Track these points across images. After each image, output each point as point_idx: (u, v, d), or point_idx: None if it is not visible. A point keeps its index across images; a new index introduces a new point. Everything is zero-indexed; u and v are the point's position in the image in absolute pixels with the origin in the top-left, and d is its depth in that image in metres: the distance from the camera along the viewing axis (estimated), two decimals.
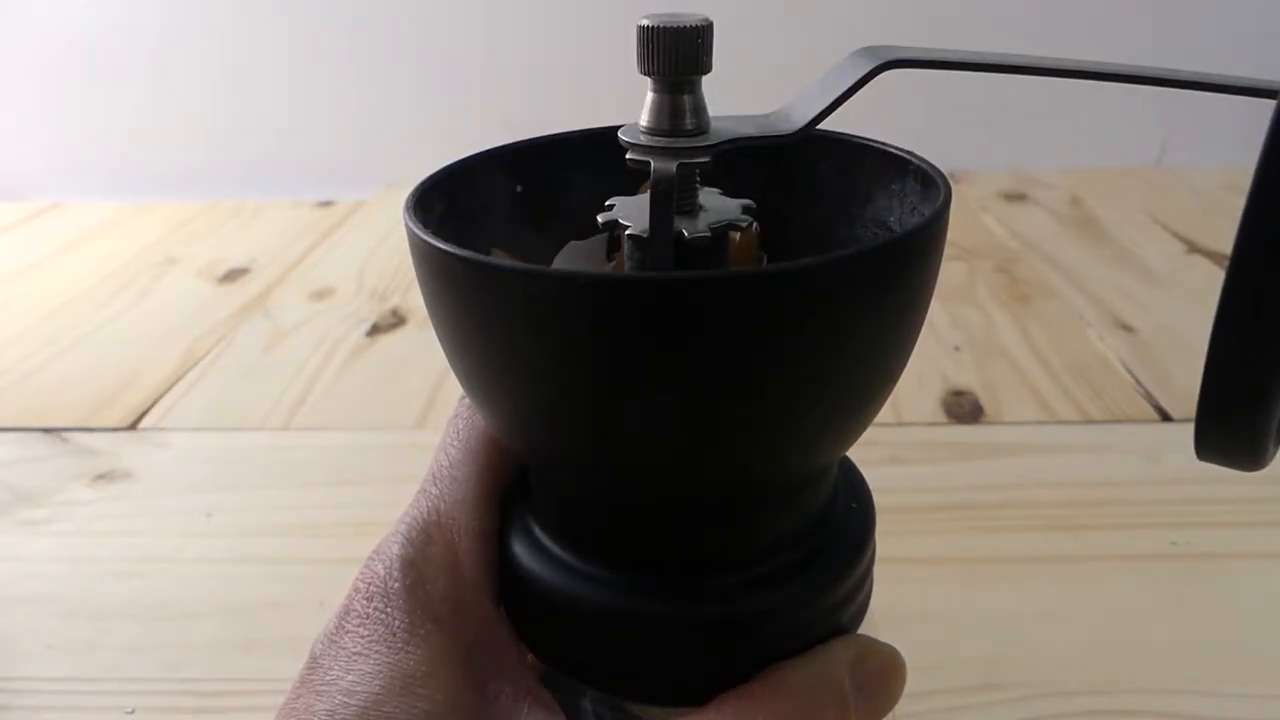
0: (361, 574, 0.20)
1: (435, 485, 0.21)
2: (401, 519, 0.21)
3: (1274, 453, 0.13)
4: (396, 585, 0.19)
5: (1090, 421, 0.49)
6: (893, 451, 0.47)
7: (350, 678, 0.18)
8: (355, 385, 0.57)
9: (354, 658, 0.18)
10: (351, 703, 0.18)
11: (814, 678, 0.18)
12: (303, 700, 0.18)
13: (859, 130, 0.22)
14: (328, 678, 0.18)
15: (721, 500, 0.19)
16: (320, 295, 0.71)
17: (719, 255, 0.20)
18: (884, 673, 0.20)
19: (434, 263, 0.17)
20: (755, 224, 0.20)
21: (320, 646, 0.19)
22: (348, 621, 0.19)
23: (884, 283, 0.16)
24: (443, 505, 0.21)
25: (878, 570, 0.22)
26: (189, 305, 0.69)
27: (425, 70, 0.94)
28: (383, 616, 0.19)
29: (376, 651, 0.18)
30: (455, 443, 0.22)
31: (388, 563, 0.20)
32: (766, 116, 0.19)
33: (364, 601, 0.19)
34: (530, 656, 0.21)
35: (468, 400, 0.23)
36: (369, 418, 0.53)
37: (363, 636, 0.19)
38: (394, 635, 0.19)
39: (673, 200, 0.18)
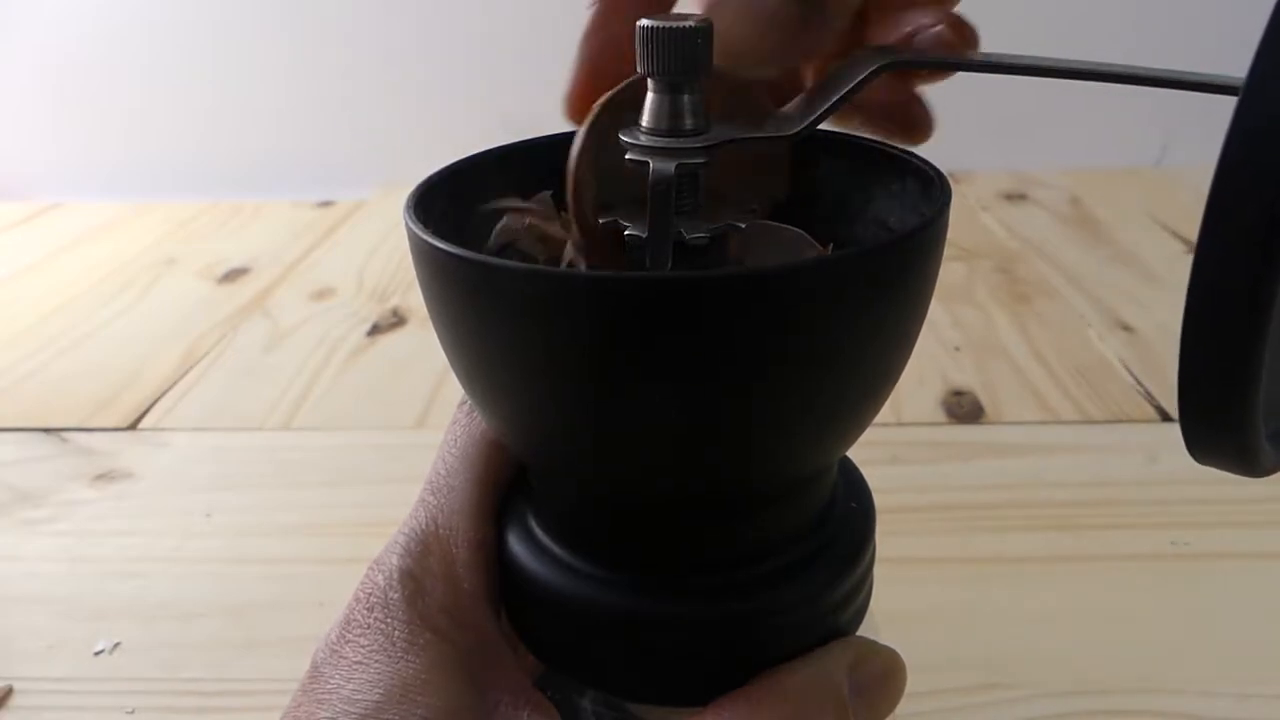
0: (362, 585, 0.20)
1: (433, 495, 0.21)
2: (400, 529, 0.21)
3: (1274, 458, 0.13)
4: (396, 596, 0.20)
5: (1090, 421, 0.49)
6: (893, 451, 0.47)
7: (351, 686, 0.18)
8: (355, 385, 0.57)
9: (354, 667, 0.19)
10: (352, 711, 0.18)
11: (812, 681, 0.19)
12: (304, 709, 0.19)
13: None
14: (328, 686, 0.19)
15: (721, 500, 0.19)
16: (320, 295, 0.71)
17: (718, 256, 0.20)
18: (883, 676, 0.20)
19: (434, 263, 0.17)
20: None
21: (321, 656, 0.19)
22: (348, 631, 0.20)
23: (884, 283, 0.16)
24: (440, 516, 0.21)
25: (878, 570, 0.22)
26: (189, 305, 0.69)
27: (425, 70, 0.94)
28: (383, 626, 0.19)
29: (377, 661, 0.19)
30: (453, 451, 0.22)
31: (387, 574, 0.20)
32: (767, 116, 0.19)
33: (364, 612, 0.20)
34: (529, 656, 0.21)
35: (465, 406, 0.23)
36: (369, 418, 0.53)
37: (363, 646, 0.19)
38: (394, 645, 0.19)
39: (671, 201, 0.18)
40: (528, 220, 0.20)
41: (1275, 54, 0.10)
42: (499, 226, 0.21)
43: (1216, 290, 0.11)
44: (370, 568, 0.21)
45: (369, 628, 0.19)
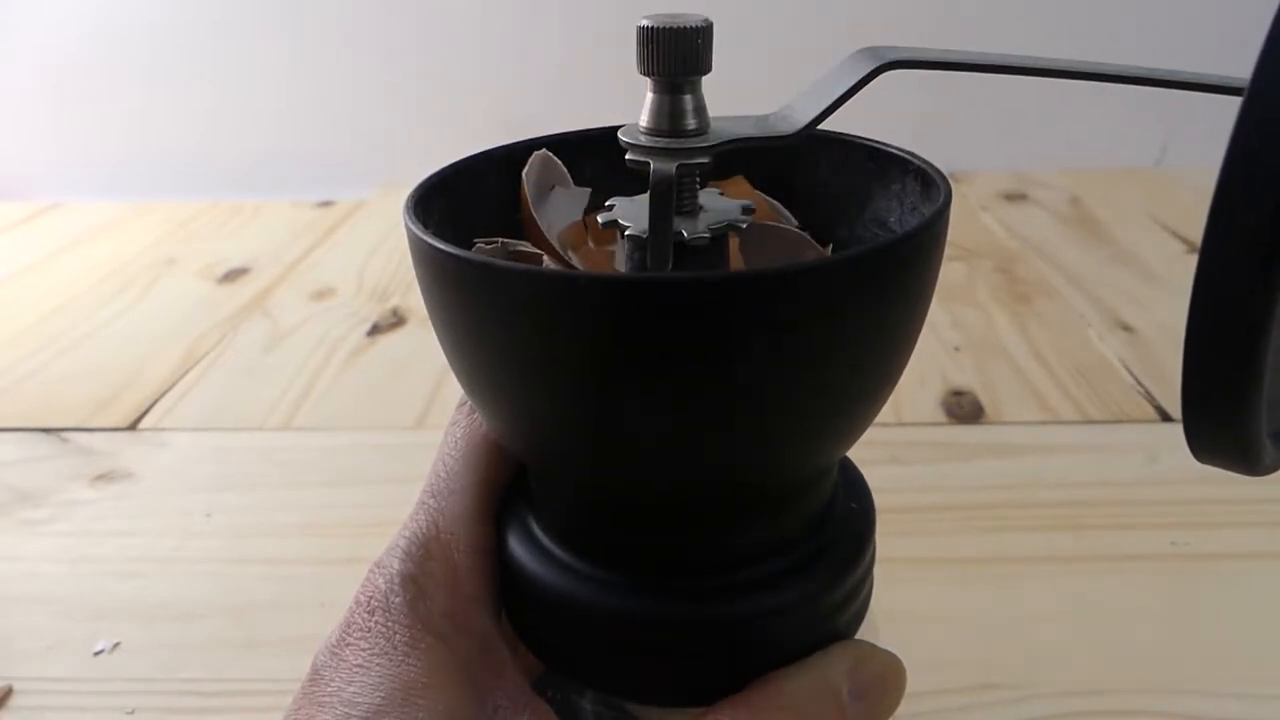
0: (363, 588, 0.20)
1: (434, 498, 0.21)
2: (401, 532, 0.21)
3: (1275, 457, 0.13)
4: (397, 600, 0.20)
5: (1090, 421, 0.49)
6: (893, 451, 0.47)
7: (352, 689, 0.18)
8: (355, 385, 0.57)
9: (355, 670, 0.19)
10: (353, 714, 0.18)
11: (811, 687, 0.19)
12: (305, 712, 0.19)
13: (859, 130, 0.22)
14: (329, 689, 0.19)
15: (721, 501, 0.19)
16: (320, 295, 0.71)
17: (718, 256, 0.20)
18: (883, 679, 0.20)
19: (434, 263, 0.17)
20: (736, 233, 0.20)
21: (322, 659, 0.19)
22: (349, 634, 0.20)
23: (884, 283, 0.16)
24: (441, 520, 0.21)
25: (878, 570, 0.22)
26: (189, 305, 0.69)
27: (425, 70, 0.94)
28: (384, 630, 0.19)
29: (378, 664, 0.19)
30: (453, 453, 0.22)
31: (388, 577, 0.20)
32: (766, 117, 0.19)
33: (365, 615, 0.20)
34: (529, 657, 0.21)
35: (465, 407, 0.23)
36: (369, 418, 0.53)
37: (364, 649, 0.19)
38: (395, 648, 0.19)
39: (672, 201, 0.18)
40: (500, 242, 0.20)
41: (1279, 55, 0.10)
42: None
43: (1220, 291, 0.11)
44: (371, 571, 0.21)
45: (370, 631, 0.19)
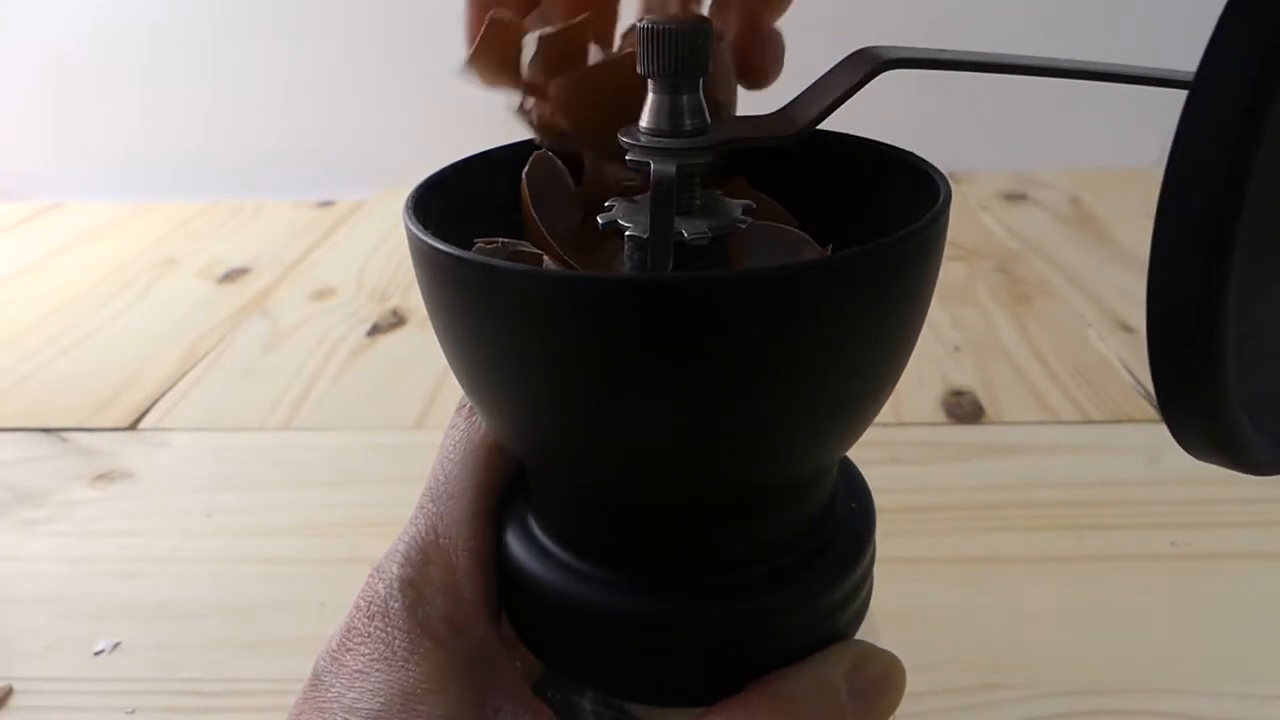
0: (363, 593, 0.20)
1: (433, 502, 0.21)
2: (401, 536, 0.21)
3: (1269, 454, 0.13)
4: (396, 605, 0.20)
5: (1090, 421, 0.49)
6: (893, 451, 0.47)
7: (352, 695, 0.19)
8: (355, 385, 0.57)
9: (356, 675, 0.19)
10: (353, 719, 0.18)
11: (810, 687, 0.19)
12: (306, 717, 0.19)
13: (859, 130, 0.22)
14: (330, 694, 0.19)
15: (721, 501, 0.19)
16: (320, 295, 0.71)
17: (719, 256, 0.20)
18: (882, 680, 0.20)
19: (434, 263, 0.17)
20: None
21: (323, 664, 0.20)
22: (349, 640, 0.20)
23: (884, 283, 0.16)
24: (440, 524, 0.21)
25: (878, 570, 0.22)
26: (189, 305, 0.69)
27: (425, 70, 0.94)
28: (383, 635, 0.19)
29: (378, 670, 0.19)
30: (452, 457, 0.22)
31: (388, 582, 0.20)
32: (766, 116, 0.19)
33: (365, 620, 0.20)
34: (529, 658, 0.21)
35: (464, 409, 0.23)
36: (369, 418, 0.53)
37: (364, 655, 0.19)
38: (394, 654, 0.19)
39: (672, 201, 0.18)
40: (500, 242, 0.20)
41: (1219, 56, 0.10)
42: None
43: (1173, 283, 0.11)
44: (371, 575, 0.21)
45: (370, 636, 0.19)
